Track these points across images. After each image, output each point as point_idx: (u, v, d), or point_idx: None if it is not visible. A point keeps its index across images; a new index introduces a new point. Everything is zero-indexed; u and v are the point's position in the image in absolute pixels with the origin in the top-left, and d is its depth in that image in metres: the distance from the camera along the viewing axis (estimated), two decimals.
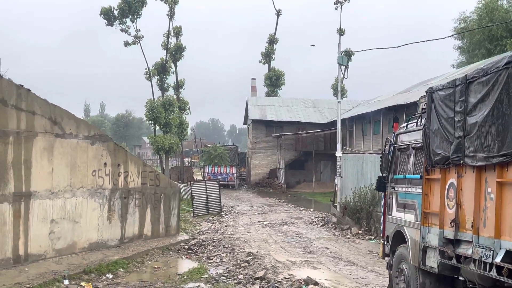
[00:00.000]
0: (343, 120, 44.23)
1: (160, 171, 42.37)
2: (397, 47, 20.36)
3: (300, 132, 47.73)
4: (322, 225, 23.25)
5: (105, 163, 15.11)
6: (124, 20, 43.30)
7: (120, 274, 13.45)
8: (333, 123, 42.05)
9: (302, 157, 48.64)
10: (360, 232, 20.78)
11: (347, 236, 20.33)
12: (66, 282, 11.90)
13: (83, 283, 12.15)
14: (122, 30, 43.90)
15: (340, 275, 13.50)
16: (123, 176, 15.86)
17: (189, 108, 46.47)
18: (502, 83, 6.84)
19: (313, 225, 23.71)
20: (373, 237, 19.41)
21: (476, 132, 7.34)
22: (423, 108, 9.65)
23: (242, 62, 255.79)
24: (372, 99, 48.65)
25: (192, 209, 25.73)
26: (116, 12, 42.96)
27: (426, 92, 9.22)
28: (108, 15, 43.01)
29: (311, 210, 30.47)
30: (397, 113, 30.95)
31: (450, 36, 23.27)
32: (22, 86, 12.43)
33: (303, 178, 49.28)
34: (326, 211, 26.76)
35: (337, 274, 13.68)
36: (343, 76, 24.78)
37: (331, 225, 22.88)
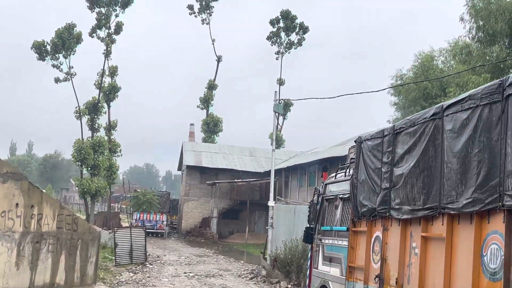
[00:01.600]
0: (279, 170, 44.35)
1: (84, 216, 40.61)
2: (332, 97, 20.49)
3: (235, 180, 47.21)
4: (251, 278, 22.48)
5: (17, 204, 13.96)
6: (56, 55, 42.02)
7: None
8: (269, 173, 41.90)
9: (237, 206, 47.94)
10: (290, 286, 20.15)
11: None
12: None
13: None
14: (53, 65, 42.50)
15: None
16: (37, 218, 14.69)
17: (120, 150, 45.14)
18: (428, 134, 6.67)
19: (242, 278, 22.89)
20: None
21: (402, 183, 7.10)
22: (351, 158, 9.43)
23: (182, 107, 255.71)
24: (309, 150, 49.08)
25: (114, 258, 24.37)
26: (49, 47, 41.71)
27: (355, 141, 9.02)
28: (40, 49, 41.65)
29: (242, 262, 29.62)
30: (333, 165, 31.10)
31: (384, 89, 23.86)
32: None
33: (237, 228, 48.43)
34: (257, 263, 26.03)
35: None
36: (278, 125, 24.68)
37: (260, 278, 22.15)
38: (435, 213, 6.32)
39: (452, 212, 6.01)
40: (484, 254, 5.54)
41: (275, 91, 23.51)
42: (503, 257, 5.16)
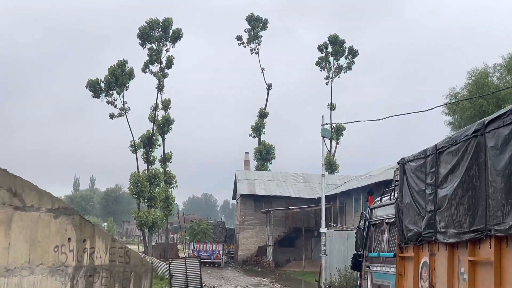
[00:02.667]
0: (334, 196, 43.74)
1: (143, 248, 41.17)
2: (379, 119, 20.11)
3: (289, 207, 46.84)
4: None
5: (69, 238, 14.21)
6: (110, 92, 43.38)
7: None
8: (325, 199, 41.41)
9: (292, 234, 47.46)
10: None
11: None
12: None
13: None
14: (108, 102, 43.90)
15: None
16: (89, 252, 14.89)
17: (176, 182, 45.75)
18: (471, 153, 6.34)
19: None
20: None
21: (447, 205, 6.76)
22: (396, 181, 9.11)
23: (236, 135, 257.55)
24: (364, 174, 48.24)
25: None
26: (102, 85, 43.15)
27: (398, 163, 8.71)
28: (94, 87, 43.12)
29: None
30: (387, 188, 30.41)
31: (434, 108, 23.08)
32: None
33: (293, 256, 47.84)
34: None
35: None
36: (331, 149, 24.35)
37: None
38: (482, 235, 5.95)
39: (499, 234, 5.64)
40: None
41: (322, 116, 23.30)
42: None
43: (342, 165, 59.04)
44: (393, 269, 8.54)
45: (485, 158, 6.03)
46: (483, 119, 6.37)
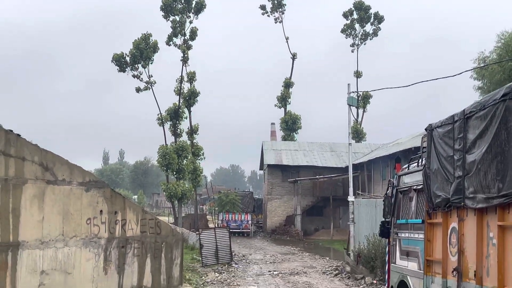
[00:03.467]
0: (361, 164, 43.58)
1: (173, 219, 41.84)
2: (409, 85, 19.85)
3: (317, 177, 46.89)
4: (336, 275, 22.21)
5: (101, 211, 14.56)
6: (136, 66, 43.59)
7: None
8: (352, 167, 41.34)
9: (320, 203, 47.64)
10: (375, 281, 19.72)
11: (361, 286, 19.28)
12: None
13: None
14: (134, 76, 44.15)
15: None
16: (121, 224, 15.26)
17: (203, 153, 46.07)
18: (499, 117, 6.25)
19: (326, 274, 22.67)
20: None
21: (475, 171, 6.70)
22: (424, 147, 9.04)
23: (262, 106, 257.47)
24: (391, 142, 47.86)
25: (201, 259, 24.91)
26: (128, 59, 43.34)
27: (426, 129, 8.63)
28: (120, 62, 43.33)
29: (327, 258, 29.37)
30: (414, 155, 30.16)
31: (464, 72, 22.59)
32: (11, 131, 12.11)
33: (321, 225, 48.12)
34: (342, 259, 25.69)
35: None
36: (357, 117, 24.18)
37: (345, 274, 21.84)
38: (511, 200, 5.91)
39: None
40: None
41: (348, 84, 23.06)
42: None
43: (369, 134, 58.74)
44: (421, 235, 8.54)
45: None
46: (511, 83, 6.25)
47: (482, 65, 38.33)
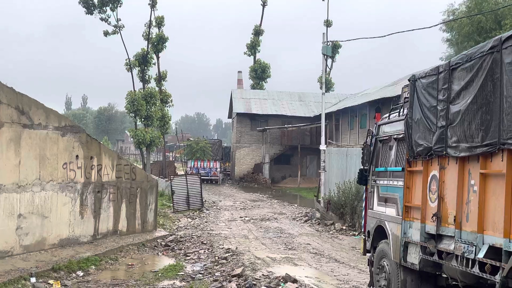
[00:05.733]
0: (329, 114, 43.97)
1: (141, 166, 41.78)
2: (382, 36, 20.09)
3: (285, 126, 47.28)
4: (306, 221, 22.83)
5: (77, 156, 14.52)
6: (104, 8, 42.35)
7: (92, 272, 12.90)
8: (319, 117, 41.59)
9: (288, 152, 48.22)
10: (344, 227, 20.39)
11: (331, 232, 19.92)
12: (33, 280, 11.33)
13: (51, 281, 11.59)
14: (102, 19, 42.92)
15: (321, 272, 13.07)
16: (96, 169, 15.27)
17: (171, 100, 45.66)
18: (486, 69, 6.42)
19: (296, 220, 23.27)
20: (357, 233, 19.00)
21: (459, 121, 6.92)
22: (405, 97, 9.22)
23: (229, 54, 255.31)
24: (359, 92, 48.34)
25: (172, 205, 25.17)
26: (95, 0, 42.05)
27: (409, 80, 8.78)
28: (87, 3, 41.99)
29: (296, 205, 30.05)
30: (384, 106, 30.59)
31: (436, 25, 22.88)
32: None
33: (289, 173, 48.87)
34: (310, 206, 26.33)
35: (318, 271, 13.25)
36: (328, 67, 24.27)
37: (315, 220, 22.46)
38: (494, 149, 6.15)
39: None
40: None
41: (323, 33, 23.03)
42: None
43: (338, 84, 59.09)
44: (401, 183, 8.82)
45: (501, 74, 6.11)
46: (500, 36, 6.40)
47: (451, 17, 38.64)
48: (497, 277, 6.00)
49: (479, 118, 6.50)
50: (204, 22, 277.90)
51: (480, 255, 6.33)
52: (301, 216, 24.16)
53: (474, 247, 6.49)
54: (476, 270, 6.45)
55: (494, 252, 6.16)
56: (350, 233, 19.37)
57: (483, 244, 6.39)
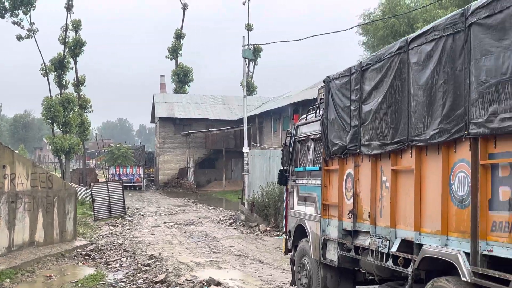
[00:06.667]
0: (253, 117, 44.35)
1: (60, 174, 40.33)
2: (300, 40, 20.40)
3: (209, 129, 47.17)
4: (230, 224, 22.86)
5: None
6: (16, 12, 40.51)
7: (7, 285, 12.27)
8: (243, 120, 41.92)
9: (213, 155, 48.14)
10: (268, 228, 20.59)
11: (255, 234, 20.05)
12: None
13: None
14: (14, 23, 41.05)
15: (245, 274, 13.11)
16: (10, 178, 14.56)
17: (91, 106, 44.41)
18: (394, 69, 6.67)
19: (221, 224, 23.26)
20: (280, 233, 19.22)
21: (371, 120, 7.15)
22: (321, 98, 9.42)
23: (152, 59, 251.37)
24: (281, 95, 49.02)
25: (93, 213, 24.45)
26: (7, 3, 40.11)
27: (324, 81, 8.99)
28: None
29: (221, 209, 30.04)
30: (305, 108, 31.18)
31: (351, 28, 23.63)
32: None
33: (214, 177, 48.79)
34: (235, 209, 26.41)
35: (242, 272, 13.28)
36: (249, 71, 24.47)
37: (240, 223, 22.54)
38: (404, 146, 6.40)
39: (420, 144, 6.09)
40: (452, 183, 5.66)
41: (243, 36, 23.19)
42: (470, 184, 5.29)
43: (262, 87, 59.69)
44: (318, 182, 9.00)
45: (408, 73, 6.37)
46: (406, 37, 6.67)
47: (367, 21, 40.02)
48: (409, 269, 6.23)
49: (389, 117, 6.74)
50: (126, 27, 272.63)
51: (393, 249, 6.56)
52: (226, 219, 24.16)
53: (388, 241, 6.72)
54: (390, 263, 6.68)
55: (406, 245, 6.39)
56: (274, 234, 19.58)
57: (396, 238, 6.62)
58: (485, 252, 5.06)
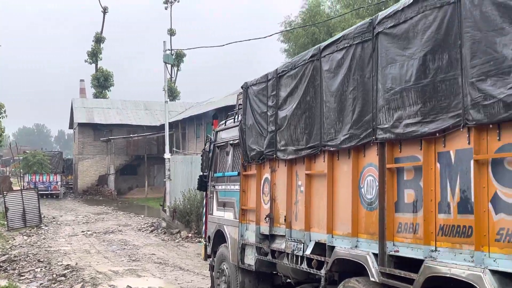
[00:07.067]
0: (176, 123, 43.93)
1: None
2: (221, 45, 20.50)
3: (131, 135, 46.24)
4: (152, 231, 22.50)
5: None
6: None
7: None
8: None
9: (135, 162, 47.23)
10: (190, 235, 20.44)
11: (176, 240, 19.84)
12: None
13: None
14: None
15: (164, 281, 12.94)
16: None
17: (5, 111, 42.21)
18: (308, 76, 6.84)
19: (142, 231, 22.84)
20: (202, 240, 19.12)
21: (286, 125, 7.29)
22: (240, 104, 9.49)
23: (72, 63, 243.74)
24: (205, 101, 48.91)
25: (6, 223, 23.29)
26: None
27: (242, 87, 9.06)
28: None
29: (142, 216, 29.50)
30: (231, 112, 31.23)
31: (270, 35, 24.07)
32: None
33: (136, 184, 47.87)
34: (157, 216, 26.02)
35: (162, 280, 13.10)
36: (172, 77, 24.26)
37: (161, 230, 22.23)
38: (317, 151, 6.55)
39: (331, 149, 6.26)
40: (362, 186, 5.86)
41: (164, 41, 22.96)
42: (377, 188, 5.50)
43: (184, 92, 59.33)
44: (237, 187, 9.05)
45: (321, 80, 6.55)
46: (319, 45, 6.86)
47: (288, 28, 40.77)
48: (322, 271, 6.38)
49: (303, 123, 6.90)
50: (43, 31, 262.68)
51: (308, 251, 6.70)
52: (147, 227, 23.76)
53: (302, 244, 6.86)
54: (304, 266, 6.81)
55: (320, 248, 6.54)
56: (196, 240, 19.46)
57: (310, 241, 6.77)
58: (392, 253, 5.27)
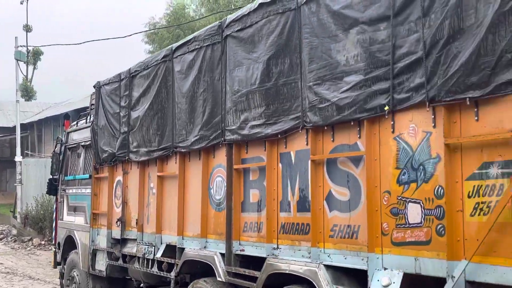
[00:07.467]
0: (31, 124, 41.29)
1: None
2: (78, 44, 19.86)
3: None
4: (0, 239, 20.90)
5: None
6: None
7: None
8: (21, 127, 38.77)
9: None
10: (43, 242, 19.31)
11: (28, 248, 18.62)
12: None
13: None
14: None
15: None
16: None
17: None
18: (161, 77, 6.77)
19: None
20: (53, 246, 18.16)
21: (139, 126, 7.15)
22: (92, 104, 9.13)
23: None
24: (63, 101, 46.51)
25: None
26: None
27: (94, 86, 8.74)
28: None
29: None
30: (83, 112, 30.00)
31: (130, 35, 23.56)
32: None
33: None
34: (8, 223, 24.23)
35: None
36: (27, 74, 22.80)
37: (11, 238, 20.76)
38: (169, 152, 6.49)
39: (183, 150, 6.24)
40: (211, 187, 5.91)
41: (16, 37, 21.50)
42: (225, 188, 5.57)
43: (42, 92, 55.98)
44: (88, 190, 8.69)
45: (173, 81, 6.51)
46: (171, 45, 6.82)
47: (152, 29, 40.24)
48: (172, 274, 6.33)
49: (155, 124, 6.80)
50: None
51: (158, 254, 6.61)
52: None
53: (153, 247, 6.75)
54: (155, 269, 6.71)
55: (171, 250, 6.48)
56: (50, 248, 18.37)
57: (161, 244, 6.69)
58: (238, 252, 5.37)
